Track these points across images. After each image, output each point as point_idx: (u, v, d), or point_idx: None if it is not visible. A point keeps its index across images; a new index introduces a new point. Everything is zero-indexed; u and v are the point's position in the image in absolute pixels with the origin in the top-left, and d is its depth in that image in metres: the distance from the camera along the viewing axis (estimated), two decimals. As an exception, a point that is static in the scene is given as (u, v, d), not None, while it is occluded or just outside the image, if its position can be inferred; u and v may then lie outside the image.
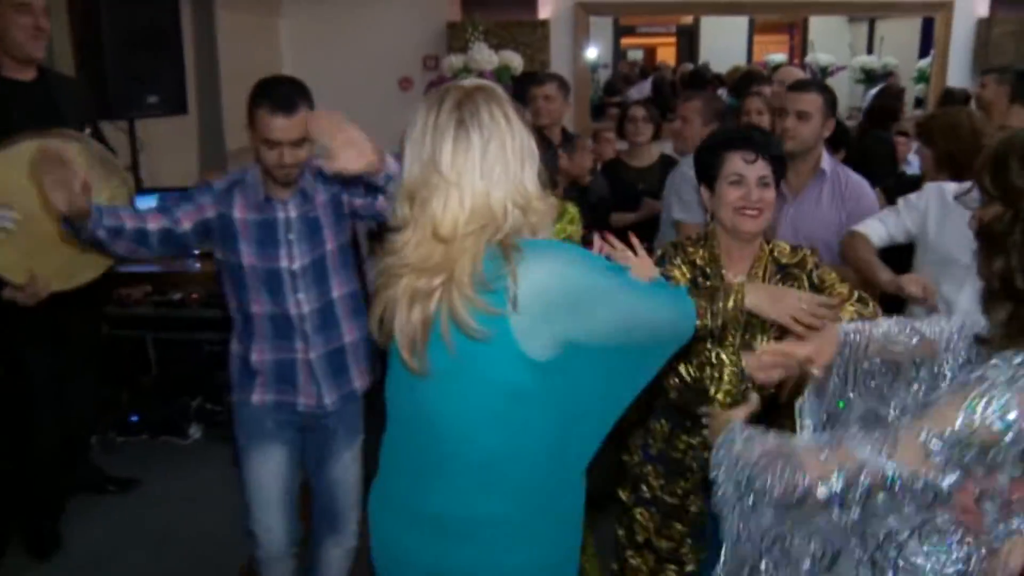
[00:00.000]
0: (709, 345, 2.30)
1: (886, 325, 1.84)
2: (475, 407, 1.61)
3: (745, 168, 2.29)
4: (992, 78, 4.76)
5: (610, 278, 1.60)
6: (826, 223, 3.21)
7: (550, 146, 4.41)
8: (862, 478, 1.38)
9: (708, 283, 2.35)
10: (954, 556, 1.39)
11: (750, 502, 1.50)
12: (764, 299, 2.10)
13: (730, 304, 2.09)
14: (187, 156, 5.45)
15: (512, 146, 1.59)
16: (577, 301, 1.54)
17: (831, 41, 7.56)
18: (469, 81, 1.67)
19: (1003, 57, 5.52)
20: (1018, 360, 1.34)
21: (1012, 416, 1.30)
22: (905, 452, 1.36)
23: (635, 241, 1.88)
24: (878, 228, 2.95)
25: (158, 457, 4.36)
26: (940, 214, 2.87)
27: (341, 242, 2.72)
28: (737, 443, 1.57)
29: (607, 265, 1.66)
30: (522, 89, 5.75)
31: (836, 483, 1.40)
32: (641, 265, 1.86)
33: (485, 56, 5.83)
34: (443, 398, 1.62)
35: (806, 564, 1.47)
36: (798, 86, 3.35)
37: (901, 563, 1.41)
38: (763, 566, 1.50)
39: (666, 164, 4.39)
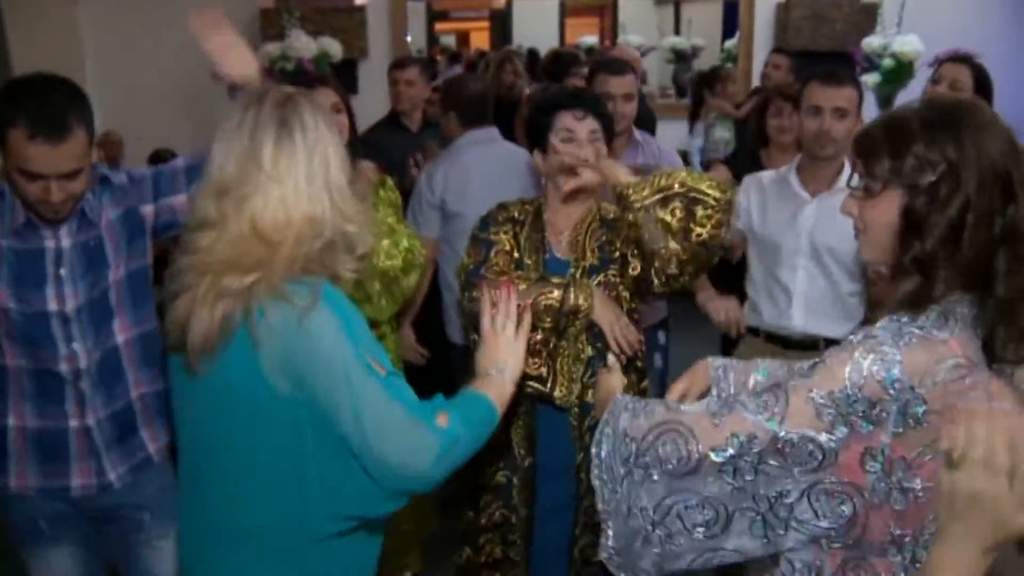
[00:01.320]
0: (542, 333, 2.29)
1: (764, 366, 1.92)
2: (227, 416, 1.59)
3: (576, 124, 2.33)
4: (783, 60, 5.07)
5: (366, 375, 1.52)
6: None
7: (407, 133, 4.35)
8: (755, 443, 1.41)
9: (525, 240, 2.40)
10: (842, 510, 1.43)
11: (638, 476, 1.50)
12: (598, 303, 2.26)
13: (581, 300, 2.24)
14: (-21, 158, 4.99)
15: (334, 154, 1.58)
16: (323, 368, 1.51)
17: (640, 23, 7.80)
18: (288, 88, 1.65)
19: (801, 39, 5.86)
20: (905, 319, 1.41)
21: (896, 372, 1.36)
22: (796, 414, 1.40)
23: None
24: None
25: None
26: (761, 204, 3.00)
27: (133, 268, 2.18)
28: (623, 418, 1.56)
29: (366, 364, 1.55)
30: (344, 76, 5.61)
31: (730, 449, 1.42)
32: (510, 342, 1.81)
33: (303, 43, 5.62)
34: (210, 402, 1.61)
35: (700, 531, 1.48)
36: (617, 70, 3.44)
37: (793, 522, 1.44)
38: (655, 536, 1.50)
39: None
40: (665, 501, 1.48)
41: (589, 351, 2.34)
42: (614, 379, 1.84)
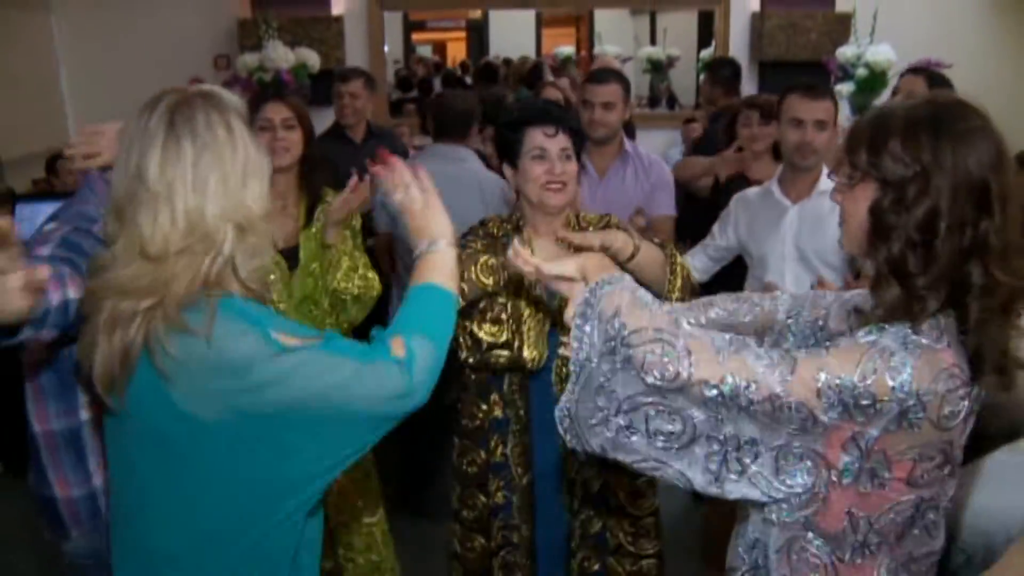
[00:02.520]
0: (503, 299, 2.25)
1: (721, 303, 1.88)
2: (138, 447, 1.50)
3: (547, 142, 2.29)
4: (707, 74, 5.15)
5: (294, 355, 1.41)
6: (631, 198, 3.44)
7: (351, 144, 4.35)
8: (750, 391, 1.39)
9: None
10: (800, 480, 1.43)
11: (619, 361, 1.44)
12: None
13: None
14: (-45, 169, 4.94)
15: (232, 159, 1.45)
16: (252, 376, 1.39)
17: (616, 33, 7.85)
18: (195, 87, 1.50)
19: (776, 48, 5.93)
20: (908, 329, 1.41)
21: (906, 377, 1.36)
22: (799, 384, 1.38)
23: (424, 176, 1.75)
24: (703, 262, 3.17)
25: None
26: (748, 219, 3.09)
27: None
28: (624, 296, 1.48)
29: (294, 347, 1.44)
30: (322, 86, 5.61)
31: (724, 387, 1.39)
32: (429, 208, 1.70)
33: (281, 54, 5.63)
34: (135, 445, 1.50)
35: (660, 440, 1.45)
36: (599, 78, 3.46)
37: (749, 471, 1.43)
38: (614, 423, 1.46)
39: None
40: (639, 398, 1.44)
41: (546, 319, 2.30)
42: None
